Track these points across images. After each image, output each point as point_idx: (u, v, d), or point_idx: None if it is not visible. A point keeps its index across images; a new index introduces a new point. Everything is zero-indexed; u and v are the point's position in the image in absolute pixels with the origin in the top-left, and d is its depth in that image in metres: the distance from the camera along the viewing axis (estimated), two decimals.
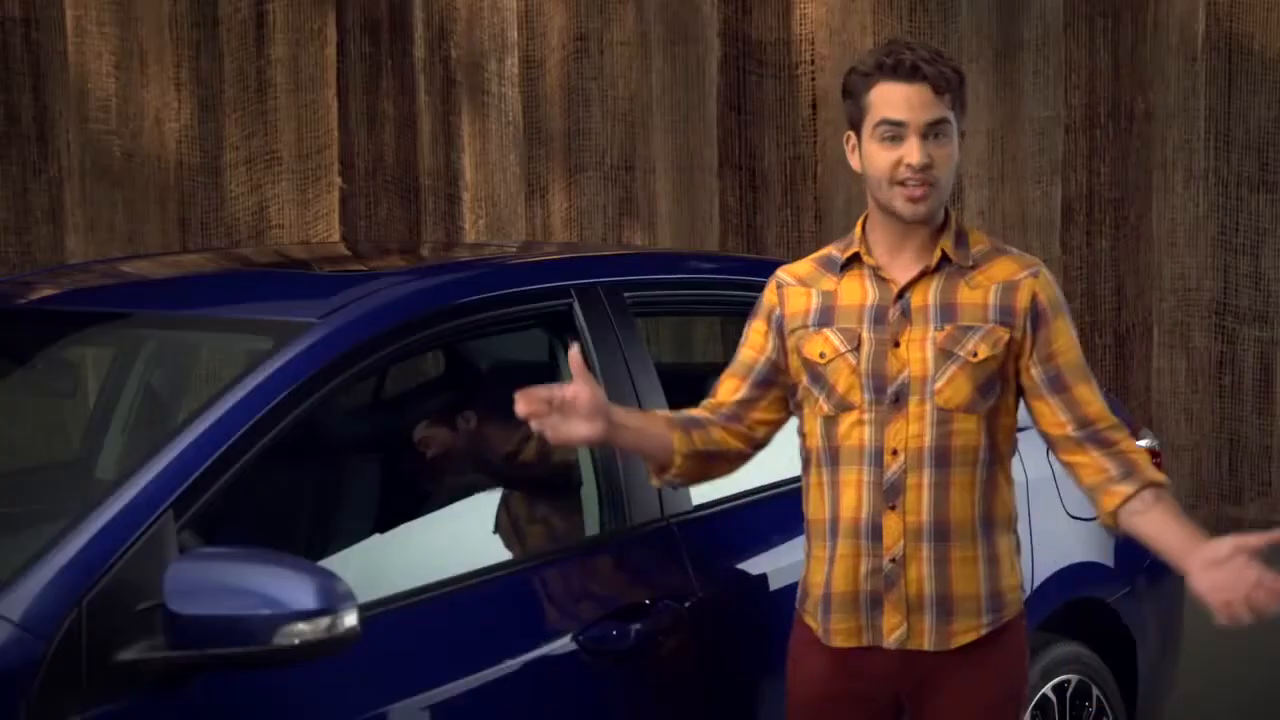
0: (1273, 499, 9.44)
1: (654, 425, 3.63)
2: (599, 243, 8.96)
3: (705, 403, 3.74)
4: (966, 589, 3.57)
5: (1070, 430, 3.58)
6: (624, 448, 3.71)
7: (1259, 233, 9.37)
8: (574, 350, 3.48)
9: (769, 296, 3.71)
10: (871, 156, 3.52)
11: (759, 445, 3.75)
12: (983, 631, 3.59)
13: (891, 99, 3.48)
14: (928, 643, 3.56)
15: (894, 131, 3.48)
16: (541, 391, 3.41)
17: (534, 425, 3.43)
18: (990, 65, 9.23)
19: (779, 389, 3.70)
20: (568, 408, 3.42)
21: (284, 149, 8.60)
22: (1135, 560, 4.81)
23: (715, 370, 3.83)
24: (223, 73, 8.51)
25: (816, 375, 3.60)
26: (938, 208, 3.54)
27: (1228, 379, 9.42)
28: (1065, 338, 3.59)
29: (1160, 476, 3.57)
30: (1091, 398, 3.58)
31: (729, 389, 3.72)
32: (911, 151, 3.46)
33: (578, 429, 3.44)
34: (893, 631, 3.57)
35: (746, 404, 3.70)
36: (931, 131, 3.47)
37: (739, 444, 3.71)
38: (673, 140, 9.12)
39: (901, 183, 3.48)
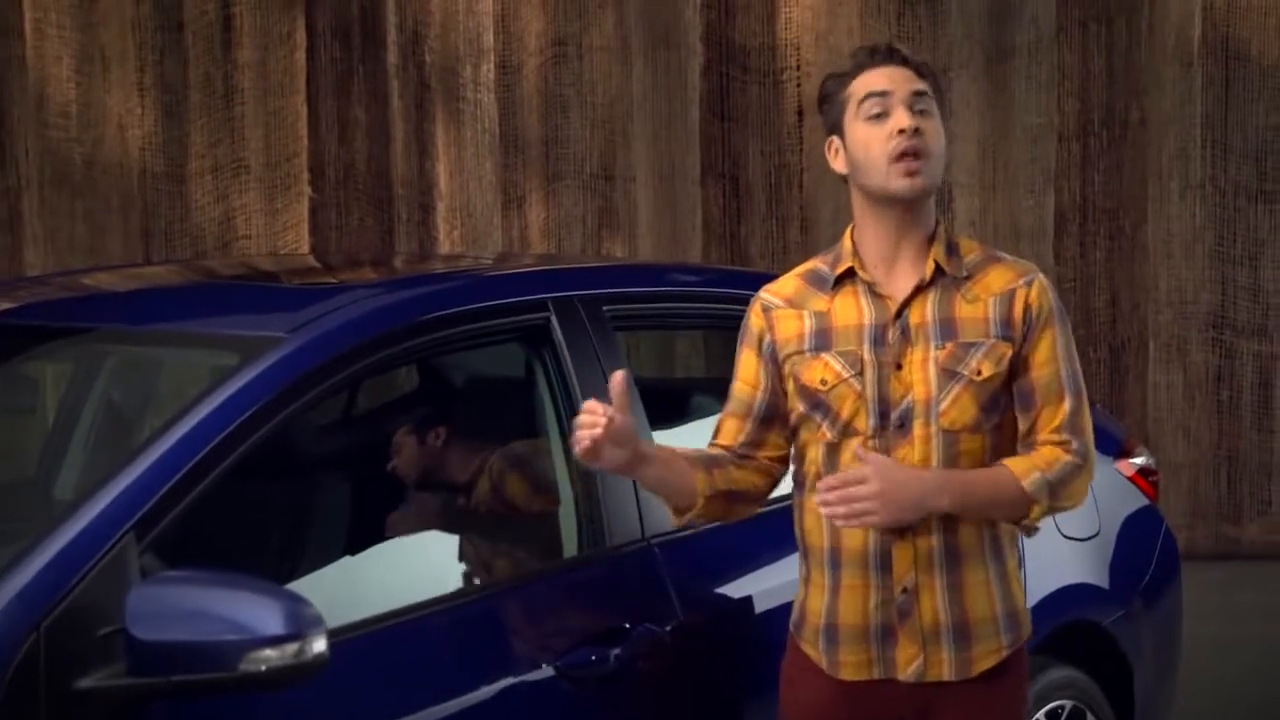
0: (1272, 518, 9.42)
1: (678, 464, 3.54)
2: (577, 254, 8.96)
3: (713, 443, 3.65)
4: (984, 612, 3.51)
5: (1018, 445, 3.54)
6: (645, 483, 3.61)
7: (1257, 243, 9.36)
8: (617, 375, 3.42)
9: (755, 321, 3.61)
10: (859, 139, 3.47)
11: (779, 478, 3.68)
12: (1004, 654, 3.54)
13: (873, 79, 3.49)
14: (948, 673, 3.50)
15: (880, 105, 3.46)
16: (599, 408, 3.34)
17: (575, 436, 3.36)
18: (981, 71, 9.21)
19: (784, 421, 3.61)
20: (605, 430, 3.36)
21: (251, 157, 8.58)
22: (1132, 582, 4.80)
23: (698, 386, 3.74)
24: (188, 78, 8.49)
25: (817, 402, 3.50)
26: (932, 186, 3.48)
27: (1226, 394, 9.41)
28: (1047, 350, 3.51)
29: (1019, 467, 3.46)
30: (1050, 419, 3.50)
31: (732, 431, 3.63)
32: (901, 118, 3.44)
33: (606, 452, 3.37)
34: (909, 664, 3.50)
35: (754, 444, 3.62)
36: (916, 105, 3.46)
37: (758, 479, 3.63)
38: (654, 148, 9.09)
39: (896, 158, 3.42)
